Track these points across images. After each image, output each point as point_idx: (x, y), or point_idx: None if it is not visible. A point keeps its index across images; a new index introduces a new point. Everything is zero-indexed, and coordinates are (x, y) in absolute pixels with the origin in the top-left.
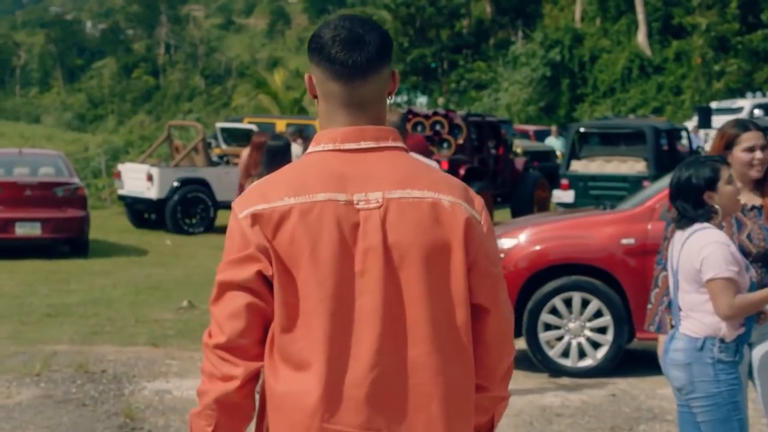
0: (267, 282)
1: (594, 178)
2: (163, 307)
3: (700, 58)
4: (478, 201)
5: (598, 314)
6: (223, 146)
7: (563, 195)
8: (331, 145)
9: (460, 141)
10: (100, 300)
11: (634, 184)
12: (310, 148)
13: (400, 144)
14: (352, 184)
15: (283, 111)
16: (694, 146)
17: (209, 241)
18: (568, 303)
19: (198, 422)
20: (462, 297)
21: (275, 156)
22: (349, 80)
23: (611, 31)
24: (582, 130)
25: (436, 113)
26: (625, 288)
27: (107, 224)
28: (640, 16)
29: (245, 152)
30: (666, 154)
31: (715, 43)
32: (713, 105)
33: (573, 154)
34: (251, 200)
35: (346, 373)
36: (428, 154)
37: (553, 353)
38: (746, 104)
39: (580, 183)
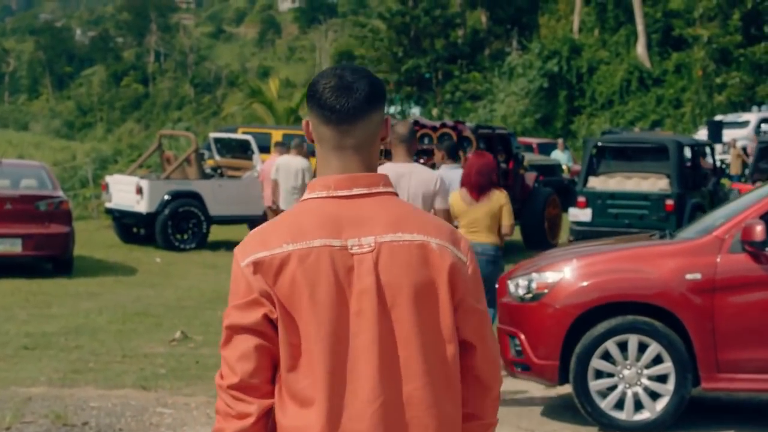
0: (272, 324)
1: (613, 195)
2: (153, 338)
3: (701, 70)
4: (464, 242)
5: (657, 360)
6: (217, 157)
7: (580, 213)
8: (324, 192)
9: (470, 155)
10: (84, 328)
11: (655, 203)
12: (306, 195)
13: (390, 189)
14: (346, 230)
15: (278, 120)
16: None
17: (202, 259)
18: (622, 347)
19: None
20: (450, 333)
21: None
22: (338, 125)
23: (610, 42)
24: (600, 144)
25: (444, 125)
26: (689, 330)
27: (93, 239)
28: (640, 27)
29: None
30: (689, 170)
31: (717, 56)
32: (711, 120)
33: (590, 169)
34: (252, 248)
35: (346, 408)
36: (491, 175)
37: (605, 405)
38: (752, 118)
39: (598, 201)
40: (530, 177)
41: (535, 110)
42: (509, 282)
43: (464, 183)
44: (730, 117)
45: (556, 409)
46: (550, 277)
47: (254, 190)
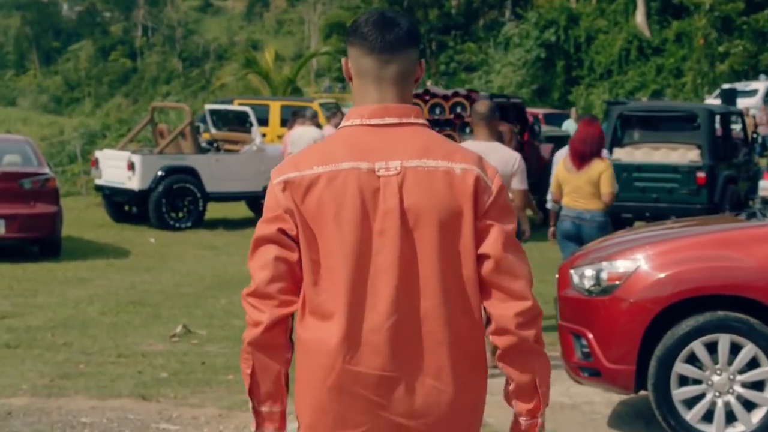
0: (290, 237)
1: (640, 167)
2: (152, 333)
3: (702, 39)
4: (491, 170)
5: (753, 364)
6: (213, 130)
7: None
8: (359, 120)
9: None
10: (73, 321)
11: (686, 175)
12: (342, 123)
13: (421, 120)
14: (375, 154)
15: (274, 91)
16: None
17: (199, 239)
18: (712, 348)
19: (241, 365)
20: (470, 255)
21: None
22: (380, 54)
23: (608, 11)
24: (625, 113)
25: (456, 93)
26: None
27: (83, 218)
28: None
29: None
30: (720, 140)
31: (719, 24)
32: (725, 86)
33: (615, 140)
34: (286, 169)
35: (365, 320)
36: (594, 144)
37: (690, 416)
38: (761, 87)
39: (624, 173)
40: (546, 149)
41: (531, 81)
42: (572, 272)
43: (570, 150)
44: (738, 86)
45: (625, 419)
46: (624, 266)
47: (253, 165)
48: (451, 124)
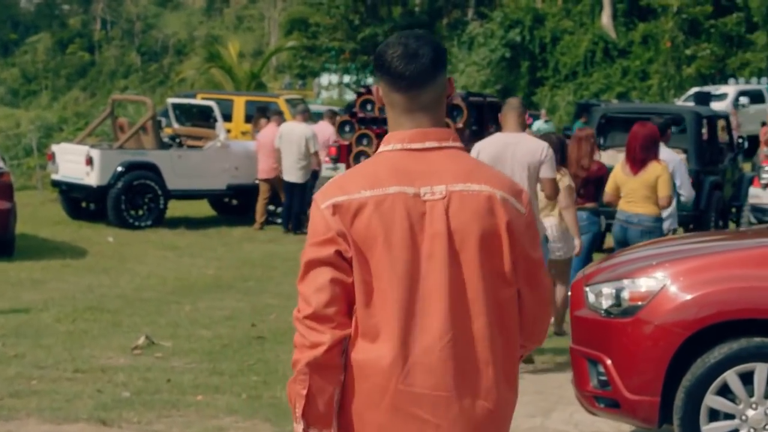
0: (346, 260)
1: None
2: (111, 343)
3: (669, 41)
4: (525, 195)
5: None
6: (176, 125)
7: None
8: (399, 145)
9: (460, 124)
10: (26, 329)
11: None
12: (381, 147)
13: (459, 144)
14: (419, 179)
15: (237, 86)
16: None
17: (159, 239)
18: (747, 379)
19: (294, 387)
20: (510, 278)
21: None
22: (408, 90)
23: (574, 11)
24: (608, 114)
25: None
26: None
27: (38, 214)
28: None
29: None
30: (706, 144)
31: (686, 27)
32: (692, 91)
33: (598, 143)
34: (332, 193)
35: (416, 342)
36: (650, 147)
37: None
38: (730, 90)
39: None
40: None
41: (496, 81)
42: (587, 290)
43: (626, 154)
44: (707, 89)
45: None
46: (647, 285)
47: (217, 162)
48: None
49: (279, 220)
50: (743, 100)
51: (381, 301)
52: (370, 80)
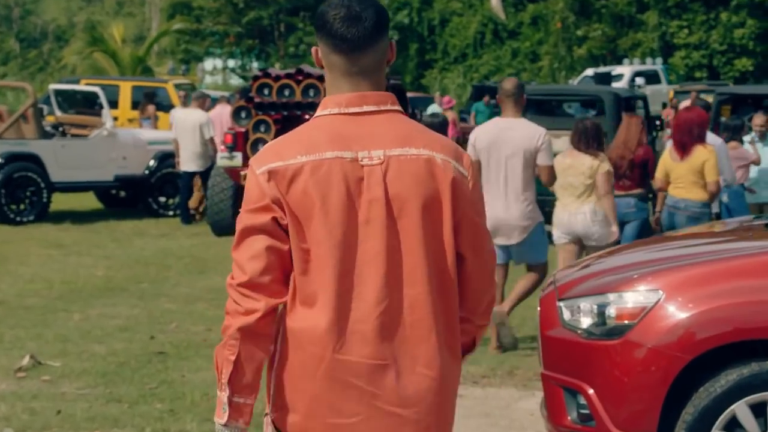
0: (282, 227)
1: None
2: None
3: (560, 22)
4: (467, 158)
5: None
6: (58, 113)
7: None
8: (336, 109)
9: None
10: None
11: None
12: (318, 112)
13: (397, 107)
14: (357, 143)
15: (122, 71)
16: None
17: (43, 235)
18: (759, 411)
19: (222, 353)
20: (450, 244)
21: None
22: (349, 53)
23: None
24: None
25: None
26: None
27: None
28: None
29: None
30: None
31: (577, 7)
32: (589, 72)
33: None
34: (268, 158)
35: (353, 310)
36: (696, 131)
37: None
38: (626, 71)
39: None
40: None
41: None
42: (561, 305)
43: (672, 139)
44: (606, 70)
45: None
46: (638, 298)
47: (104, 151)
48: None
49: (170, 213)
50: (639, 80)
51: (318, 268)
52: (255, 65)
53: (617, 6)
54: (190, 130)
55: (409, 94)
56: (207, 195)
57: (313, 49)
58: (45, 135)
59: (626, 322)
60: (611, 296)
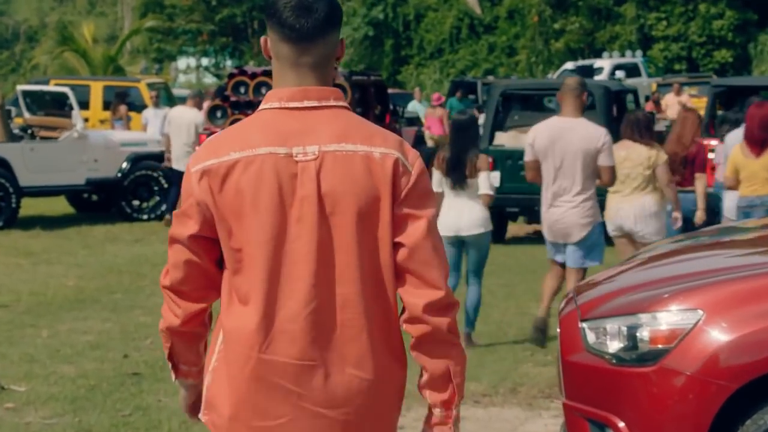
0: (203, 239)
1: None
2: None
3: (537, 16)
4: (413, 153)
5: None
6: (27, 115)
7: None
8: (277, 104)
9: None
10: None
11: None
12: (261, 106)
13: (342, 103)
14: (292, 139)
15: (94, 71)
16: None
17: (12, 242)
18: None
19: (162, 338)
20: (386, 242)
21: (461, 130)
22: (298, 42)
23: None
24: (508, 91)
25: None
26: None
27: None
28: None
29: None
30: (617, 121)
31: (553, 0)
32: (569, 66)
33: (497, 123)
34: (203, 156)
35: (281, 309)
36: None
37: None
38: (606, 64)
39: (508, 161)
40: (409, 133)
41: (359, 60)
42: (584, 326)
43: (745, 136)
44: (587, 63)
45: None
46: (674, 319)
47: (74, 154)
48: None
49: (144, 216)
50: (619, 74)
51: (249, 267)
52: (229, 63)
53: None
54: (184, 128)
55: (390, 91)
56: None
57: (262, 39)
58: (13, 138)
59: (661, 346)
60: (643, 317)
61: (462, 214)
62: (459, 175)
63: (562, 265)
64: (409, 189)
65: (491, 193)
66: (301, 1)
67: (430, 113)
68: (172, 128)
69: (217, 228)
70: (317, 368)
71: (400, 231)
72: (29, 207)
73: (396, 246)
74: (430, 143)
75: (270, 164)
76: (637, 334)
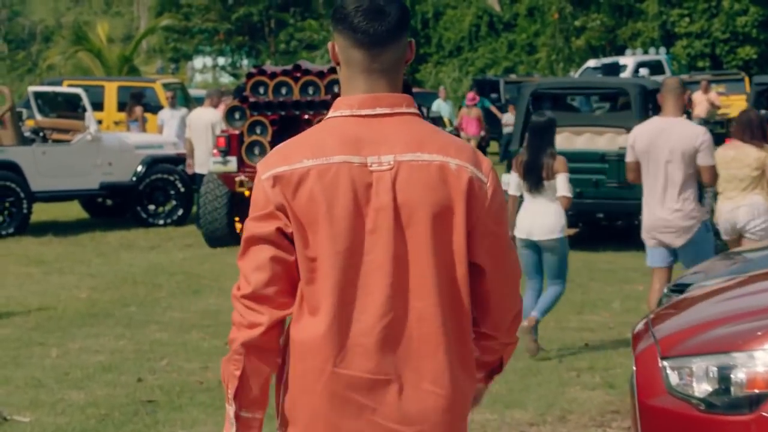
0: (287, 237)
1: None
2: None
3: (557, 13)
4: (486, 164)
5: None
6: (39, 117)
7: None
8: (348, 111)
9: None
10: None
11: (615, 165)
12: (330, 113)
13: (413, 110)
14: (367, 147)
15: (108, 71)
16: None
17: (23, 250)
18: None
19: (227, 367)
20: (462, 254)
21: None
22: (370, 48)
23: None
24: (539, 90)
25: (333, 69)
26: None
27: None
28: None
29: None
30: None
31: None
32: (591, 63)
33: (528, 124)
34: (274, 162)
35: (355, 322)
36: None
37: None
38: (629, 62)
39: None
40: None
41: None
42: (666, 366)
43: None
44: (613, 60)
45: None
46: None
47: (88, 157)
48: (329, 107)
49: (161, 222)
50: (643, 71)
51: (323, 277)
52: (245, 62)
53: None
54: (203, 131)
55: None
56: (200, 203)
57: (329, 44)
58: (24, 141)
59: (759, 391)
60: (737, 356)
61: (536, 217)
62: (535, 178)
63: (668, 269)
64: (488, 204)
65: (569, 195)
66: (372, 5)
67: (465, 113)
68: (192, 132)
69: (294, 235)
70: (392, 383)
71: (478, 248)
72: (41, 212)
73: (472, 265)
74: None
75: (345, 173)
76: (731, 376)
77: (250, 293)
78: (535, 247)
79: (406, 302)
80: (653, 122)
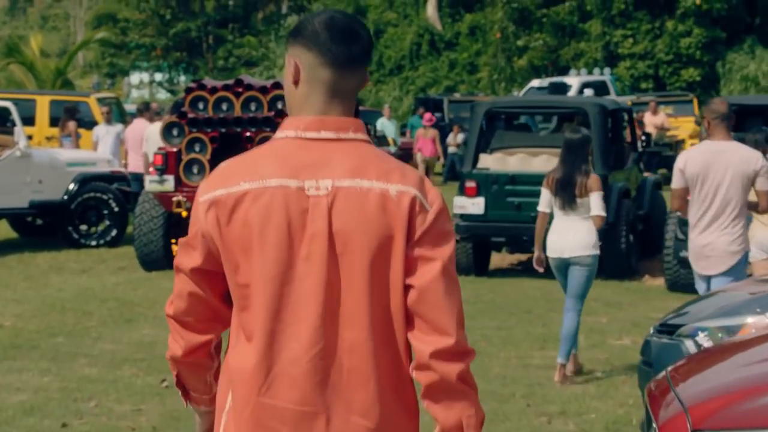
0: (205, 273)
1: (514, 179)
2: None
3: (499, 32)
4: (433, 192)
5: None
6: None
7: (469, 204)
8: (293, 133)
9: None
10: None
11: None
12: (277, 134)
13: (360, 136)
14: (306, 171)
15: (41, 85)
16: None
17: None
18: None
19: (169, 365)
20: (398, 283)
21: (573, 149)
22: (342, 68)
23: (397, 3)
24: (494, 109)
25: (277, 84)
26: None
27: None
28: None
29: None
30: (611, 144)
31: (516, 16)
32: (535, 83)
33: (480, 144)
34: (214, 184)
35: (283, 351)
36: None
37: None
38: (574, 82)
39: (494, 186)
40: None
41: None
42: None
43: None
44: (561, 80)
45: None
46: None
47: (16, 174)
48: (272, 124)
49: (93, 243)
50: (588, 91)
51: (255, 304)
52: (183, 78)
53: (559, 15)
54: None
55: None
56: (135, 224)
57: (289, 59)
58: None
59: None
60: None
61: (568, 235)
62: (568, 195)
63: None
64: (425, 229)
65: (603, 214)
66: (346, 25)
67: (422, 134)
68: (149, 146)
69: (222, 262)
70: (319, 415)
71: (411, 273)
72: None
73: (407, 288)
74: (421, 167)
75: (280, 197)
76: None
77: (172, 315)
78: (564, 267)
79: (337, 332)
80: (705, 145)
